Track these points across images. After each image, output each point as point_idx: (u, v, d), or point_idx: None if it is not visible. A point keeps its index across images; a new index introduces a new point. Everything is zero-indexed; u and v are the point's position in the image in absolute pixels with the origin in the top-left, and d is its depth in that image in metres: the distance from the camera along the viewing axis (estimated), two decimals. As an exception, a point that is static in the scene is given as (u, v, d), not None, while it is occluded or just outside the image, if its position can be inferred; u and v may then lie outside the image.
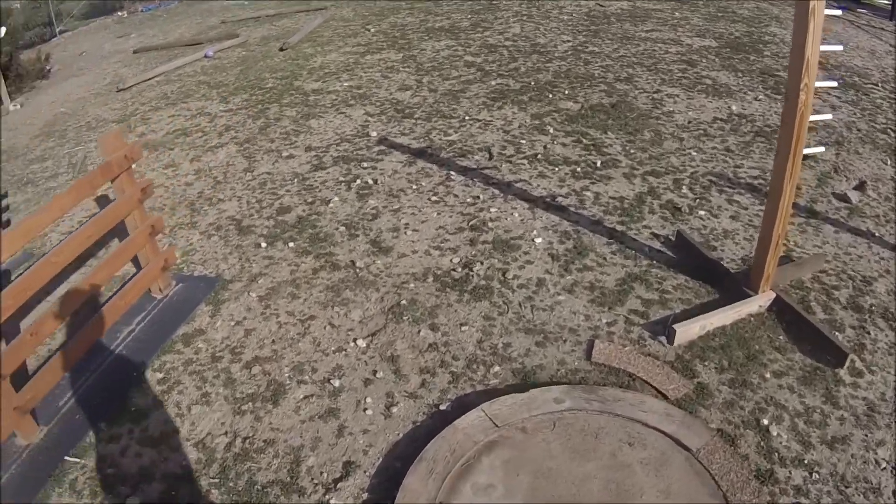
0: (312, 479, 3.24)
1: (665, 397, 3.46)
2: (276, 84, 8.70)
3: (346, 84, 8.30)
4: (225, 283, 4.73)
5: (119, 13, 16.11)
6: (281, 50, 10.18)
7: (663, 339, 3.85)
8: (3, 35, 9.70)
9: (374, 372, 3.80)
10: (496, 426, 3.20)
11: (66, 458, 3.55)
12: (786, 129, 3.52)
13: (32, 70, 11.26)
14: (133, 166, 4.28)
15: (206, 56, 10.49)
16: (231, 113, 7.91)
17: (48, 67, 11.74)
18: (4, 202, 6.76)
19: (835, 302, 4.11)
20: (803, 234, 4.78)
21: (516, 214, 5.06)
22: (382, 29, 10.58)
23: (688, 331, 3.80)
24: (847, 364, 3.60)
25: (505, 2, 11.45)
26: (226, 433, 3.55)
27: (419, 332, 4.03)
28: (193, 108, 8.30)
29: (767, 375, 3.58)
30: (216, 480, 3.29)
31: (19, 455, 3.65)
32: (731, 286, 4.14)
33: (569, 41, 9.14)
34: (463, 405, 3.49)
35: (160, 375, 4.01)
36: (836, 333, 3.82)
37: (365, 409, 3.57)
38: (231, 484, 3.26)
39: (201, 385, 3.88)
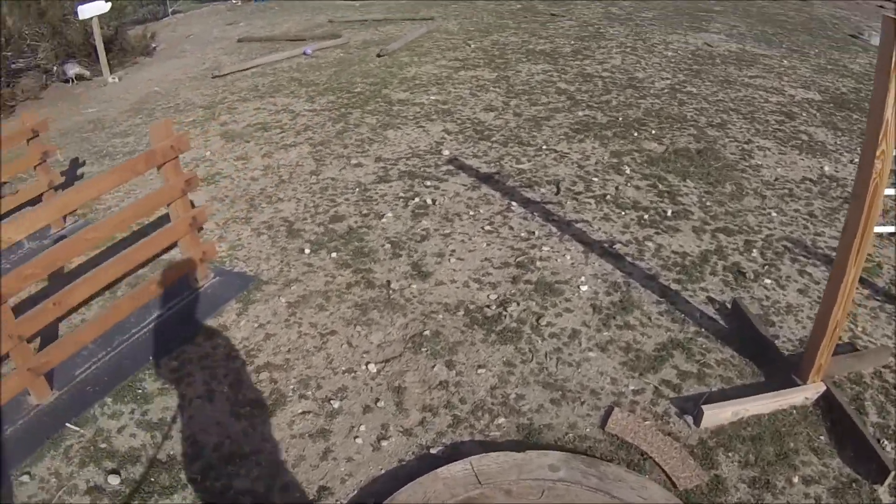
0: (285, 496, 3.38)
1: (674, 485, 3.37)
2: (365, 89, 9.05)
3: (432, 98, 8.55)
4: (260, 284, 4.98)
5: (233, 0, 17.13)
6: (378, 56, 10.58)
7: (690, 418, 3.74)
8: (107, 10, 10.52)
9: (377, 400, 3.92)
10: (479, 483, 3.21)
11: (68, 424, 3.86)
12: (856, 201, 3.25)
13: (137, 46, 12.17)
14: (179, 157, 4.60)
15: (304, 53, 11.03)
16: (314, 113, 8.30)
17: (153, 45, 12.65)
18: (80, 171, 7.34)
19: (894, 405, 3.91)
20: (875, 319, 4.55)
21: (568, 257, 5.09)
22: (483, 46, 10.83)
23: (718, 414, 3.68)
24: (888, 481, 3.40)
25: (612, 31, 11.50)
26: (218, 433, 3.75)
27: (434, 367, 4.14)
28: (279, 104, 8.75)
29: (795, 480, 3.42)
30: (196, 477, 3.49)
31: (27, 413, 4.01)
32: (780, 370, 3.97)
33: (667, 79, 9.09)
34: (455, 453, 3.55)
35: (175, 364, 4.28)
36: (885, 443, 3.62)
37: (356, 437, 3.69)
38: (208, 483, 3.45)
39: (209, 381, 4.12)
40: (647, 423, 3.71)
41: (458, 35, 11.63)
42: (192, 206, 4.97)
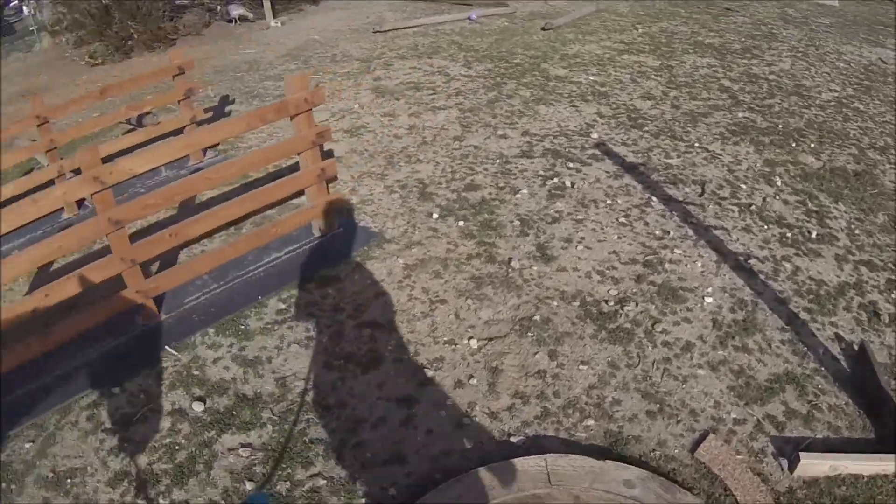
0: (356, 453, 3.42)
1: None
2: (524, 61, 8.96)
3: (591, 78, 8.33)
4: (382, 241, 5.05)
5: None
6: (543, 29, 10.44)
7: (785, 462, 3.40)
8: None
9: (471, 377, 3.86)
10: (549, 483, 3.10)
11: (167, 347, 4.09)
12: None
13: (304, -8, 12.65)
14: (313, 110, 4.72)
15: (469, 18, 11.08)
16: (468, 79, 8.31)
17: (320, -5, 13.11)
18: (228, 108, 7.74)
19: None
20: None
21: (699, 264, 4.79)
22: (650, 32, 10.43)
23: (815, 465, 3.30)
24: None
25: (785, 33, 10.74)
26: (307, 380, 3.84)
27: (536, 354, 4.02)
28: (435, 66, 8.83)
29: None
30: (276, 419, 3.60)
31: (132, 332, 4.28)
32: (893, 431, 3.56)
33: (835, 91, 8.35)
34: (535, 446, 3.44)
35: (281, 306, 4.42)
36: None
37: (441, 410, 3.66)
38: (286, 427, 3.55)
39: (310, 329, 4.22)
40: (739, 457, 3.40)
41: (626, 17, 11.27)
42: (330, 156, 5.08)
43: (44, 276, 5.05)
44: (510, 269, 4.73)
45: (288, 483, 3.29)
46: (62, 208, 5.88)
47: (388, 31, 10.44)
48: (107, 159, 4.30)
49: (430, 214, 5.38)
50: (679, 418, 3.62)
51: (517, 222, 5.25)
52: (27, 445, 3.51)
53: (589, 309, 4.36)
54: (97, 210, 3.88)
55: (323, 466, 3.37)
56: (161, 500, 3.25)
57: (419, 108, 7.51)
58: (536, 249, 4.92)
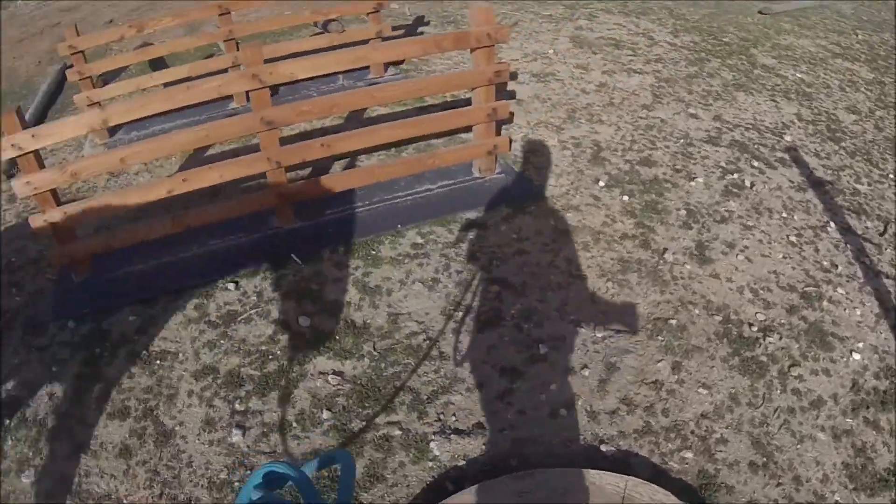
0: (441, 414, 3.26)
1: None
2: (733, 42, 8.17)
3: (798, 75, 7.46)
4: (538, 198, 4.75)
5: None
6: (759, 13, 9.53)
7: None
8: None
9: (584, 367, 3.53)
10: None
11: (293, 256, 4.05)
12: None
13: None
14: (495, 46, 4.42)
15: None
16: (672, 48, 7.69)
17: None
18: (421, 29, 7.59)
19: None
20: None
21: (858, 312, 4.11)
22: (870, 40, 9.20)
23: None
24: None
25: None
26: (419, 324, 3.68)
27: (659, 361, 3.62)
28: (641, 27, 8.24)
29: None
30: (375, 353, 3.48)
31: (264, 232, 4.29)
32: None
33: None
34: (622, 462, 3.12)
35: (418, 241, 4.28)
36: None
37: (541, 393, 3.40)
38: (382, 366, 3.43)
39: (439, 271, 4.05)
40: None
41: (848, 20, 10.00)
42: (512, 97, 4.83)
43: (198, 159, 5.17)
44: (661, 261, 4.30)
45: (364, 423, 3.18)
46: (231, 97, 6.02)
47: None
48: (285, 58, 4.29)
49: (597, 181, 5.01)
50: (780, 482, 3.11)
51: (683, 212, 4.77)
52: (131, 318, 3.60)
53: (730, 328, 3.87)
54: (252, 107, 3.86)
55: (404, 417, 3.23)
56: (238, 406, 3.24)
57: (614, 66, 7.03)
58: (695, 247, 4.45)
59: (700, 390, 3.49)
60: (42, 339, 3.73)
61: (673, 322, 3.85)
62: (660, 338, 3.75)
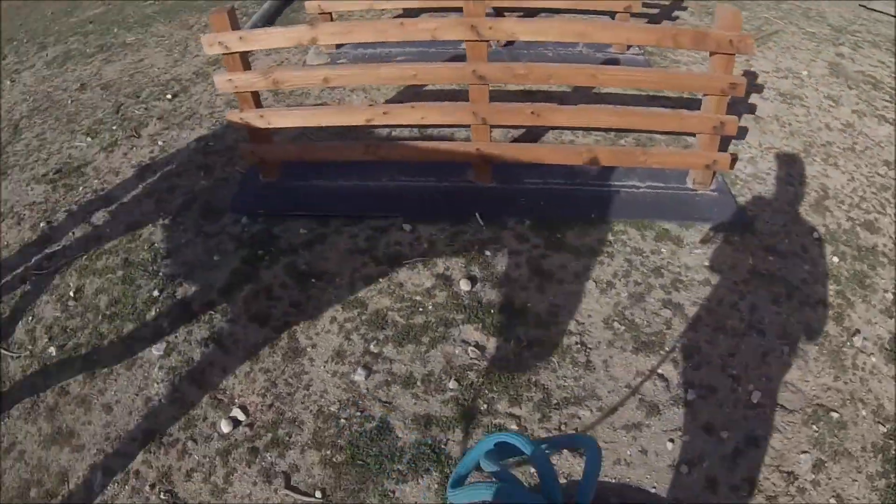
0: (566, 427, 3.08)
1: None
2: None
3: None
4: (745, 230, 4.29)
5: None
6: None
7: None
8: None
9: (725, 429, 3.24)
10: None
11: (477, 215, 4.00)
12: None
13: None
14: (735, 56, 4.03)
15: None
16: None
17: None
18: (675, 13, 7.13)
19: None
20: None
21: None
22: None
23: None
24: None
25: None
26: (578, 324, 3.50)
27: (803, 453, 3.17)
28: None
29: None
30: (522, 340, 3.34)
31: (456, 184, 4.27)
32: None
33: None
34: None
35: (607, 237, 4.06)
36: None
37: (669, 441, 3.13)
38: (524, 354, 3.31)
39: (618, 276, 3.81)
40: None
41: None
42: (752, 111, 4.40)
43: (410, 93, 5.14)
44: (849, 344, 3.79)
45: (485, 406, 3.05)
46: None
47: (880, 12, 8.83)
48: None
49: (812, 231, 4.50)
50: None
51: (891, 295, 4.16)
52: (302, 231, 3.61)
53: (890, 444, 3.29)
54: (468, 57, 3.75)
55: (527, 413, 3.07)
56: (372, 347, 3.21)
57: (867, 108, 6.26)
58: (889, 340, 3.87)
59: (831, 500, 3.05)
60: (213, 227, 3.86)
61: (834, 415, 3.37)
62: (815, 427, 3.30)
